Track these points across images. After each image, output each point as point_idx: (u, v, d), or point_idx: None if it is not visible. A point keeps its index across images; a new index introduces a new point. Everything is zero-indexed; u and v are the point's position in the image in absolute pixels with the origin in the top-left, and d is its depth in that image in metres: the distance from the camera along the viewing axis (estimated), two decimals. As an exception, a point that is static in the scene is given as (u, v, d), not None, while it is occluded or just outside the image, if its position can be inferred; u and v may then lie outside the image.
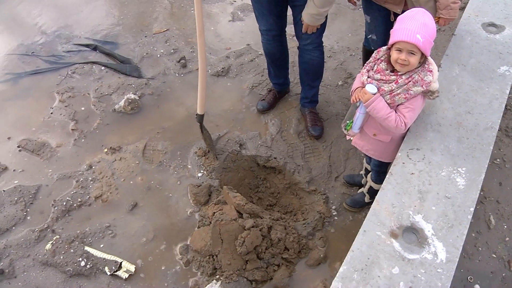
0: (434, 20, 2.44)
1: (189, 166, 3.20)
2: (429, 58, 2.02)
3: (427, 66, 1.97)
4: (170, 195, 3.03)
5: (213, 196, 2.98)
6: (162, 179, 3.12)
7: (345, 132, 2.32)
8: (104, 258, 2.65)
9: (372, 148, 2.36)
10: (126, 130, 3.48)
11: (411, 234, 1.90)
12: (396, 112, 2.06)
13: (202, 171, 3.15)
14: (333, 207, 2.94)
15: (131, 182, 3.11)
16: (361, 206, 2.89)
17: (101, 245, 2.76)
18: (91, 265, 2.63)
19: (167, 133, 3.45)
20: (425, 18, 1.89)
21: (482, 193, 2.91)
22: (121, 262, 2.64)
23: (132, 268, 2.62)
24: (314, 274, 2.60)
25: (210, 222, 2.71)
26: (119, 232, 2.83)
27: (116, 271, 2.60)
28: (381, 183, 2.38)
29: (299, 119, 3.50)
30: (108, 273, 2.59)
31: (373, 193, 2.70)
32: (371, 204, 2.79)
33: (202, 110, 3.02)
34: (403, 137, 2.26)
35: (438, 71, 2.05)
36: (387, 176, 2.14)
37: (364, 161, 2.82)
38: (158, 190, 3.06)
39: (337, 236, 2.78)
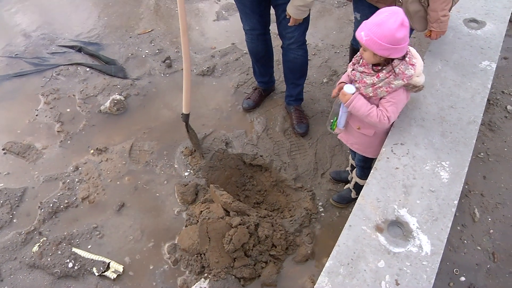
0: (426, 34, 2.50)
1: (175, 166, 3.17)
2: (413, 51, 2.01)
3: (408, 59, 1.96)
4: (157, 194, 3.00)
5: (200, 194, 2.96)
6: (149, 179, 3.09)
7: (330, 131, 2.33)
8: (92, 259, 2.62)
9: (357, 142, 2.36)
10: (112, 131, 3.44)
11: (396, 228, 1.90)
12: (379, 106, 2.06)
13: (188, 170, 3.13)
14: (320, 203, 2.93)
15: (118, 182, 3.07)
16: (348, 202, 2.89)
17: (89, 246, 2.73)
18: (79, 266, 2.59)
19: (153, 133, 3.42)
20: (384, 18, 1.80)
21: (466, 186, 2.93)
22: (109, 262, 2.60)
23: (120, 268, 2.59)
24: (302, 270, 2.60)
25: (198, 221, 2.69)
26: (106, 232, 2.79)
27: (104, 271, 2.56)
28: (366, 179, 2.39)
29: (285, 117, 3.48)
30: (96, 274, 2.56)
31: (359, 188, 2.71)
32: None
33: (187, 110, 3.00)
34: (387, 132, 2.26)
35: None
36: (372, 171, 2.13)
37: (350, 157, 2.82)
38: (145, 190, 3.03)
39: (324, 232, 2.78)
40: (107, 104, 3.57)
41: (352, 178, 2.79)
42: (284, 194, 3.09)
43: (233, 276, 2.50)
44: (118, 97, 3.60)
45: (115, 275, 2.56)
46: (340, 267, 1.79)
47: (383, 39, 1.80)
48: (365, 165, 2.55)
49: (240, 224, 2.53)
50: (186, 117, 3.04)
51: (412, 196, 1.98)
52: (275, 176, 3.13)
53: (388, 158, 2.17)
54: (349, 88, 2.04)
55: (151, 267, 2.62)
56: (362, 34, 1.84)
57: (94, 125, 3.49)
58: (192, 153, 3.21)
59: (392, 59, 1.93)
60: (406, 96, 2.08)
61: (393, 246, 1.83)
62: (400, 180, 2.06)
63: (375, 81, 1.98)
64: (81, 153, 3.28)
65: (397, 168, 2.11)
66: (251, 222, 2.58)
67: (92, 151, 3.27)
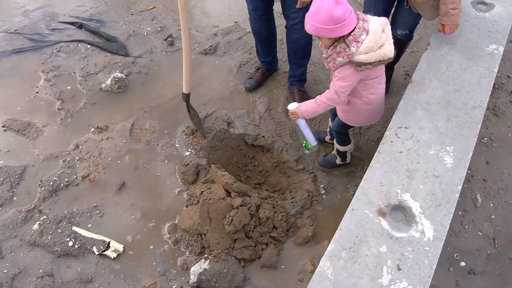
0: (439, 29, 2.50)
1: (177, 145, 3.14)
2: (372, 26, 1.96)
3: (351, 37, 1.94)
4: (158, 174, 2.98)
5: (201, 175, 2.94)
6: (149, 158, 3.06)
7: (308, 152, 2.52)
8: (92, 238, 2.61)
9: (340, 107, 2.43)
10: (113, 109, 3.40)
11: (399, 213, 1.88)
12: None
13: (190, 150, 3.10)
14: (322, 185, 2.91)
15: (119, 161, 3.04)
16: (332, 167, 2.95)
17: (89, 225, 2.72)
18: (79, 245, 2.58)
19: (154, 112, 3.38)
20: (319, 3, 1.88)
21: (469, 171, 2.89)
22: (109, 241, 2.60)
23: (120, 247, 2.58)
24: (302, 253, 2.59)
25: (198, 201, 2.67)
26: (107, 211, 2.78)
27: (104, 250, 2.56)
28: (344, 145, 2.67)
29: (288, 97, 3.43)
30: (97, 253, 2.55)
31: (341, 155, 2.84)
32: (344, 166, 2.93)
33: (188, 89, 2.95)
34: (371, 104, 2.27)
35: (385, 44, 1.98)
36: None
37: (330, 118, 2.85)
38: (146, 169, 3.00)
39: (326, 214, 2.76)
40: (108, 82, 3.51)
41: (330, 140, 2.95)
42: (285, 175, 3.07)
43: (234, 257, 2.50)
44: (119, 75, 3.54)
45: (115, 254, 2.55)
46: (342, 251, 1.78)
47: (325, 22, 1.90)
48: (341, 131, 2.61)
49: (241, 205, 2.52)
50: (186, 97, 2.99)
51: (415, 180, 1.96)
52: (277, 157, 3.10)
53: (392, 141, 2.14)
54: (291, 106, 2.30)
55: (151, 247, 2.61)
56: (308, 27, 1.96)
57: (95, 103, 3.45)
58: (194, 133, 3.17)
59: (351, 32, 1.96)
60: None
61: (395, 231, 1.81)
62: (403, 164, 2.03)
63: (325, 56, 2.09)
64: (82, 131, 3.24)
65: (401, 152, 2.08)
66: (252, 203, 2.57)
67: (92, 130, 3.23)
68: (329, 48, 2.04)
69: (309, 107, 2.24)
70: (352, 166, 2.98)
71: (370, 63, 1.99)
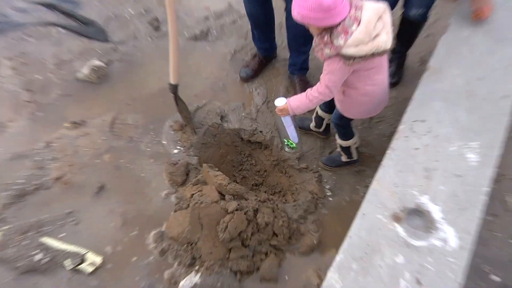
0: (472, 15, 2.49)
1: (163, 142, 3.12)
2: (364, 17, 1.94)
3: (340, 28, 1.93)
4: (143, 175, 2.95)
5: (191, 175, 2.93)
6: (133, 157, 3.04)
7: (291, 151, 2.57)
8: (64, 250, 2.57)
9: (336, 97, 2.45)
10: (91, 102, 3.37)
11: (417, 218, 1.85)
12: None
13: (178, 147, 3.08)
14: (327, 186, 2.89)
15: (97, 160, 3.02)
16: (338, 165, 2.96)
17: (62, 235, 2.68)
18: (49, 259, 2.54)
19: (138, 104, 3.36)
20: None
21: (497, 170, 2.85)
22: (85, 253, 2.56)
23: (98, 260, 2.54)
24: (306, 263, 2.56)
25: (188, 205, 2.66)
26: (83, 218, 2.75)
27: (79, 264, 2.52)
28: (346, 139, 2.70)
29: (288, 88, 3.42)
30: (70, 267, 2.51)
31: (345, 151, 2.84)
32: (351, 164, 2.93)
33: (176, 79, 2.92)
34: (369, 95, 2.27)
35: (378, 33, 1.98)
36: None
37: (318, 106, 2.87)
38: (129, 170, 2.98)
39: (332, 219, 2.74)
40: (85, 70, 3.49)
41: (315, 128, 3.01)
42: (286, 175, 3.05)
43: (229, 269, 2.47)
44: (98, 63, 3.52)
45: (91, 268, 2.52)
46: (352, 261, 1.75)
47: (313, 10, 1.90)
48: (340, 123, 2.61)
49: (236, 210, 2.51)
50: (174, 88, 2.97)
51: (434, 181, 1.93)
52: (277, 155, 3.09)
53: (406, 136, 2.11)
54: (279, 101, 2.30)
55: (134, 259, 2.58)
56: (295, 13, 1.98)
57: (70, 94, 3.42)
58: (183, 128, 3.16)
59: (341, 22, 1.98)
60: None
61: (413, 238, 1.78)
62: (420, 162, 2.01)
63: (314, 45, 2.11)
64: (54, 126, 3.21)
65: (417, 148, 2.06)
66: (250, 207, 2.55)
67: (67, 125, 3.20)
68: (317, 37, 2.05)
69: (301, 102, 2.25)
70: (361, 164, 2.96)
71: (361, 57, 1.98)
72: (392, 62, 3.35)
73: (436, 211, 1.84)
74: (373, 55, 1.98)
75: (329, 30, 1.97)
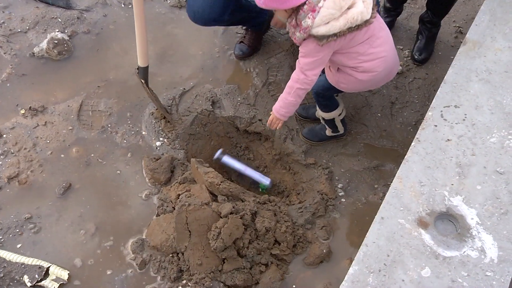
0: None
1: (143, 133, 3.13)
2: None
3: (306, 7, 2.06)
4: (118, 172, 2.97)
5: (177, 172, 2.94)
6: (106, 151, 3.06)
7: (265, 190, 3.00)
8: (22, 263, 2.59)
9: (328, 71, 2.59)
10: (53, 84, 3.37)
11: (448, 223, 1.88)
12: None
13: (161, 138, 3.09)
14: (339, 185, 2.92)
15: (62, 155, 3.03)
16: (321, 140, 3.06)
17: (19, 245, 2.70)
18: (1, 275, 2.55)
19: (111, 87, 3.36)
20: None
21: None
22: (49, 267, 2.58)
23: (64, 274, 2.57)
24: (314, 276, 2.59)
25: (174, 208, 2.67)
26: (45, 225, 2.76)
27: (41, 280, 2.54)
28: (329, 111, 2.81)
29: (292, 66, 3.40)
30: (29, 284, 2.53)
31: (330, 124, 2.95)
32: (338, 138, 3.03)
33: (144, 61, 2.90)
34: (365, 76, 2.37)
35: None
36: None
37: None
38: (101, 166, 2.99)
39: (345, 224, 2.77)
40: (44, 45, 3.47)
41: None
42: (291, 172, 3.08)
43: (222, 284, 2.49)
44: (59, 35, 3.50)
45: (56, 285, 2.54)
46: (368, 275, 1.78)
47: None
48: (323, 93, 2.72)
49: (231, 213, 2.52)
50: (144, 72, 2.94)
51: (470, 179, 1.96)
52: (279, 148, 3.11)
53: (436, 126, 2.13)
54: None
55: (108, 273, 2.60)
56: (260, 1, 2.12)
57: (25, 74, 3.41)
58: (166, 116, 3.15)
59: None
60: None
61: (443, 248, 1.81)
62: (452, 156, 2.03)
63: (287, 30, 2.26)
64: (6, 114, 3.21)
65: (448, 140, 2.08)
66: (247, 210, 2.57)
67: (23, 112, 3.20)
68: (287, 22, 2.19)
69: (282, 101, 2.44)
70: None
71: (335, 34, 2.10)
72: (421, 35, 3.36)
73: (471, 216, 1.87)
74: (351, 29, 2.09)
75: (296, 11, 2.10)
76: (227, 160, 3.04)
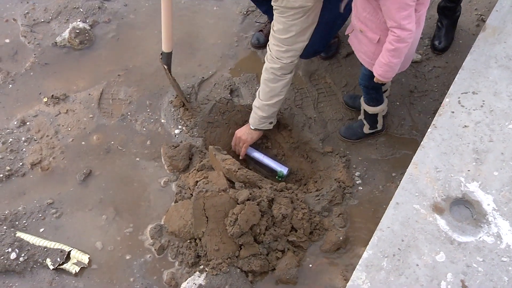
0: None
1: (162, 121, 3.15)
2: None
3: None
4: (137, 159, 2.99)
5: (195, 159, 2.95)
6: (125, 138, 3.08)
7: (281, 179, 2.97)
8: (45, 247, 2.62)
9: (362, 49, 2.47)
10: (74, 72, 3.40)
11: (463, 209, 1.88)
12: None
13: (180, 126, 3.11)
14: (357, 173, 2.91)
15: (83, 142, 3.06)
16: (359, 138, 3.01)
17: (41, 230, 2.74)
18: (25, 258, 2.59)
19: (131, 75, 3.38)
20: None
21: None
22: (70, 251, 2.62)
23: (85, 258, 2.60)
24: (330, 263, 2.59)
25: (191, 195, 2.68)
26: (66, 210, 2.80)
27: (63, 263, 2.58)
28: (375, 105, 2.70)
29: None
30: (52, 267, 2.57)
31: (371, 120, 2.90)
32: (375, 134, 2.97)
33: (169, 46, 2.92)
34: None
35: None
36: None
37: None
38: (121, 153, 3.02)
39: (362, 212, 2.76)
40: (66, 34, 3.50)
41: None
42: (308, 160, 3.07)
43: (239, 269, 2.51)
44: (81, 25, 3.53)
45: (77, 268, 2.57)
46: (383, 259, 1.78)
47: None
48: (370, 84, 2.61)
49: (248, 200, 2.51)
50: (167, 57, 2.96)
51: (487, 165, 1.95)
52: (297, 136, 3.10)
53: (453, 112, 2.12)
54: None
55: (127, 257, 2.63)
56: None
57: (48, 63, 3.44)
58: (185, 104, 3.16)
59: None
60: None
61: (458, 233, 1.80)
62: (469, 142, 2.02)
63: None
64: (30, 102, 3.24)
65: (465, 126, 2.07)
66: (264, 197, 2.57)
67: (45, 100, 3.24)
68: None
69: (385, 66, 2.26)
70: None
71: None
72: (440, 23, 3.31)
73: (487, 202, 1.86)
74: None
75: None
76: (248, 150, 3.04)
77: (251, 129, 2.91)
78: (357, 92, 3.19)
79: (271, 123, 2.91)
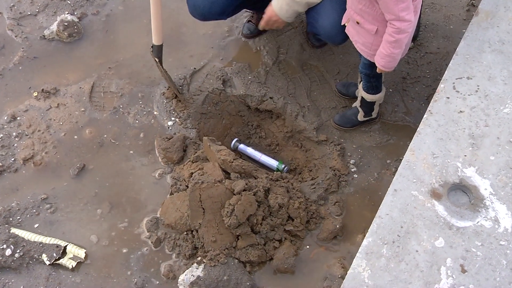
0: None
1: (155, 113, 3.14)
2: None
3: None
4: (131, 152, 2.98)
5: (189, 151, 2.94)
6: (118, 131, 3.07)
7: (284, 171, 2.96)
8: (40, 243, 2.61)
9: (360, 40, 2.45)
10: (64, 66, 3.38)
11: (461, 194, 1.89)
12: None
13: (173, 118, 3.10)
14: (352, 161, 2.91)
15: (76, 136, 3.04)
16: (353, 125, 3.01)
17: (36, 225, 2.72)
18: (21, 253, 2.58)
19: (122, 68, 3.36)
20: None
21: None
22: (66, 245, 2.61)
23: (81, 253, 2.59)
24: (328, 251, 2.60)
25: (187, 186, 2.67)
26: (61, 205, 2.79)
27: (59, 258, 2.57)
28: (375, 93, 2.69)
29: (302, 44, 3.41)
30: (48, 262, 2.56)
31: (367, 107, 2.89)
32: (369, 122, 2.97)
33: (159, 39, 2.90)
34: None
35: None
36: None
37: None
38: (114, 146, 3.01)
39: (358, 199, 2.77)
40: (54, 27, 3.47)
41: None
42: (302, 149, 3.07)
43: (236, 260, 2.51)
44: (69, 17, 3.50)
45: (74, 263, 2.56)
46: (382, 246, 1.78)
47: None
48: (371, 73, 2.61)
49: (244, 190, 2.52)
50: (158, 50, 2.94)
51: (483, 150, 1.95)
52: (290, 125, 3.10)
53: (448, 98, 2.12)
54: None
55: (124, 251, 2.63)
56: None
57: (36, 57, 3.42)
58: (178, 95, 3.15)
59: None
60: None
61: (456, 218, 1.81)
62: (465, 128, 2.02)
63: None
64: (19, 96, 3.22)
65: (461, 111, 2.07)
66: (260, 187, 2.56)
67: (36, 94, 3.22)
68: None
69: (388, 57, 2.27)
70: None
71: None
72: None
73: (484, 186, 1.87)
74: None
75: None
76: (243, 148, 3.05)
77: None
78: (349, 80, 3.19)
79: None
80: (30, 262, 2.59)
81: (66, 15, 3.53)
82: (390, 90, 3.13)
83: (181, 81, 3.23)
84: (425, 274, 1.71)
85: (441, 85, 2.15)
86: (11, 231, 2.64)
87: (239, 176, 2.65)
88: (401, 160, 2.05)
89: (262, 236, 2.56)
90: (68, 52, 3.45)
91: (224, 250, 2.50)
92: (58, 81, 3.29)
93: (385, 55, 2.24)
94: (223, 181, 2.57)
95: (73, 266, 2.56)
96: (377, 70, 2.40)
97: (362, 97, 2.82)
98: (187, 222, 2.57)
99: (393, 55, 2.24)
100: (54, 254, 2.57)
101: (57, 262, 2.56)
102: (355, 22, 2.37)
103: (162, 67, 3.01)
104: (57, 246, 2.60)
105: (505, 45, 2.20)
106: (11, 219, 2.73)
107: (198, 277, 2.42)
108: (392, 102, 3.08)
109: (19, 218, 2.74)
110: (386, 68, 2.34)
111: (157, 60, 2.97)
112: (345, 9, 2.49)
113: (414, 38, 3.30)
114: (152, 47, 2.95)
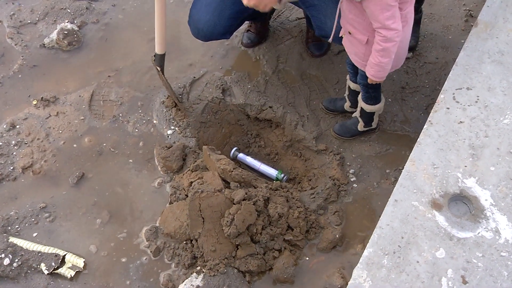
0: None
1: (154, 121, 3.14)
2: None
3: None
4: (130, 161, 2.98)
5: (188, 160, 2.94)
6: (118, 140, 3.07)
7: (284, 180, 2.95)
8: (39, 252, 2.60)
9: (352, 51, 2.48)
10: (64, 74, 3.38)
11: (461, 205, 1.89)
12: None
13: (173, 127, 3.10)
14: (351, 170, 2.91)
15: (75, 145, 3.04)
16: (353, 135, 3.01)
17: (34, 234, 2.71)
18: (19, 263, 2.56)
19: (122, 76, 3.37)
20: None
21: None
22: (65, 254, 2.60)
23: (80, 262, 2.58)
24: (328, 261, 2.59)
25: (187, 195, 2.68)
26: (60, 214, 2.78)
27: (58, 268, 2.55)
28: (374, 104, 2.69)
29: (302, 54, 3.42)
30: (46, 272, 2.55)
31: (367, 118, 2.89)
32: (369, 132, 2.97)
33: (162, 48, 2.91)
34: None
35: None
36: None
37: (348, 77, 2.89)
38: (113, 155, 3.01)
39: (358, 209, 2.76)
40: (54, 35, 3.48)
41: (350, 106, 3.00)
42: (302, 158, 3.07)
43: (236, 269, 2.50)
44: (69, 26, 3.51)
45: (73, 272, 2.55)
46: (383, 257, 1.78)
47: None
48: (369, 84, 2.59)
49: (244, 199, 2.51)
50: (160, 59, 2.95)
51: (483, 160, 1.95)
52: (290, 135, 3.10)
53: (448, 108, 2.13)
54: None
55: (123, 260, 2.62)
56: None
57: (36, 65, 3.43)
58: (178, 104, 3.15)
59: None
60: None
61: (457, 229, 1.81)
62: (465, 138, 2.03)
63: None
64: (19, 104, 3.22)
65: (461, 122, 2.08)
66: (259, 197, 2.56)
67: (35, 102, 3.22)
68: None
69: (377, 67, 2.27)
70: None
71: None
72: None
73: (485, 197, 1.87)
74: None
75: None
76: (243, 157, 3.05)
77: None
78: (339, 94, 3.20)
79: None
80: (29, 271, 2.57)
81: (66, 24, 3.54)
82: (389, 99, 3.13)
83: (181, 90, 3.23)
84: (426, 285, 1.70)
85: (441, 96, 2.16)
86: (10, 240, 2.63)
87: (238, 185, 2.65)
88: (400, 169, 2.06)
89: (262, 246, 2.55)
90: (67, 61, 3.46)
91: (224, 259, 2.50)
92: (58, 89, 3.30)
93: (374, 64, 2.25)
94: (223, 191, 2.57)
95: (72, 276, 2.54)
96: (368, 80, 2.41)
97: (361, 107, 2.82)
98: (186, 231, 2.56)
99: (382, 64, 2.24)
100: (53, 264, 2.55)
101: (55, 271, 2.55)
102: (347, 32, 2.39)
103: (164, 76, 3.01)
104: (56, 255, 2.58)
105: (504, 56, 2.21)
106: (9, 228, 2.72)
107: (198, 286, 2.41)
108: (391, 112, 3.09)
109: (17, 227, 2.73)
110: (376, 78, 2.34)
111: (159, 69, 2.97)
112: None
113: (413, 48, 3.30)
114: (154, 56, 2.96)
